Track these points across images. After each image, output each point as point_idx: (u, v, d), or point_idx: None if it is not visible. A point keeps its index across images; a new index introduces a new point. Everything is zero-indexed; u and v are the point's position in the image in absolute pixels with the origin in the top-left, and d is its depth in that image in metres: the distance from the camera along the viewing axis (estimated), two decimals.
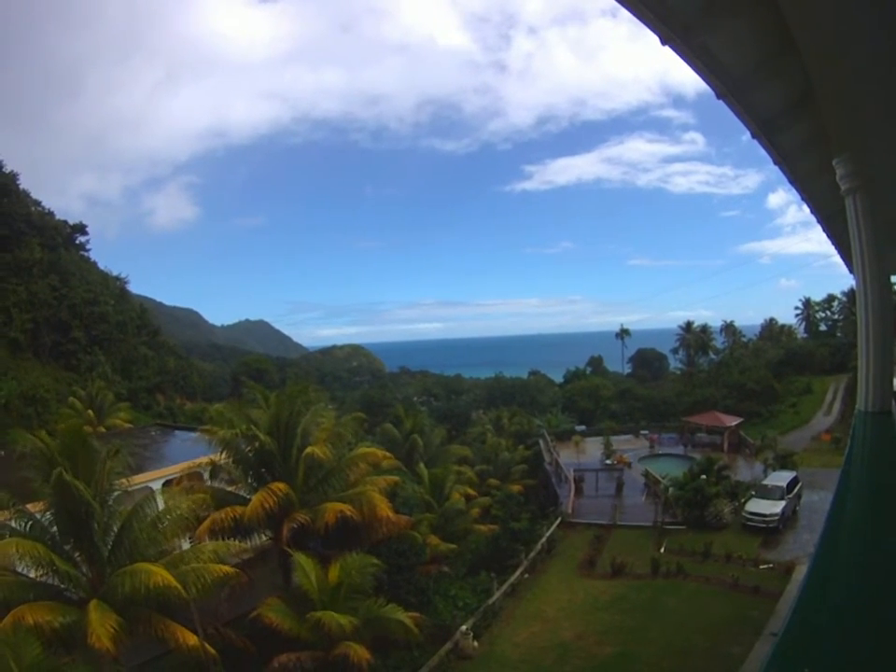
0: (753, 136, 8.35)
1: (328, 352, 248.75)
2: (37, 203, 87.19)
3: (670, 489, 34.12)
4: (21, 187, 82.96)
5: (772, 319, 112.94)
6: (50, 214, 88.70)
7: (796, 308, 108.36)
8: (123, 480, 18.01)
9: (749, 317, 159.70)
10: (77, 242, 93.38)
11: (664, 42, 6.18)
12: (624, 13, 5.80)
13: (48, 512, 16.69)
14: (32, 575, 16.22)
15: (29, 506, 16.92)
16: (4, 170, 79.12)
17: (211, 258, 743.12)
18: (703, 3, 5.64)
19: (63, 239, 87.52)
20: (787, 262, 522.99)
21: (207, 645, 16.50)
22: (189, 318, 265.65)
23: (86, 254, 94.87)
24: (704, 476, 32.90)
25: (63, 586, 16.25)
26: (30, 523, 16.59)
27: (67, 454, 16.46)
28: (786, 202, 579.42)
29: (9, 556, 15.51)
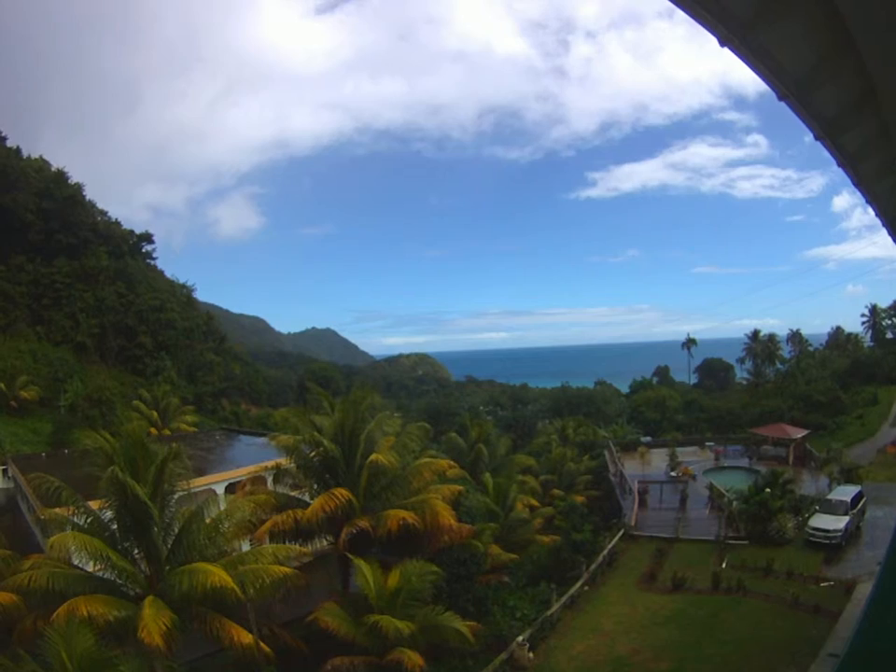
0: (816, 138, 8.16)
1: (394, 360, 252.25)
2: (103, 213, 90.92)
3: (734, 503, 33.35)
4: (86, 197, 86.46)
5: (839, 328, 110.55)
6: (117, 223, 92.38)
7: (862, 315, 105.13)
8: (184, 482, 18.45)
9: (817, 325, 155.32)
10: (144, 250, 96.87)
11: (722, 44, 6.12)
12: (680, 14, 5.75)
13: (108, 510, 17.19)
14: (89, 569, 16.75)
15: (91, 503, 17.49)
16: (70, 181, 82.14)
17: (278, 266, 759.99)
18: (758, 3, 5.53)
19: (129, 247, 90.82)
20: (853, 268, 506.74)
21: (262, 644, 16.78)
22: (256, 326, 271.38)
23: (153, 262, 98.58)
24: (768, 490, 31.91)
25: (119, 581, 16.73)
26: (90, 518, 17.13)
27: (127, 454, 16.96)
28: (851, 204, 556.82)
29: (67, 549, 16.09)
